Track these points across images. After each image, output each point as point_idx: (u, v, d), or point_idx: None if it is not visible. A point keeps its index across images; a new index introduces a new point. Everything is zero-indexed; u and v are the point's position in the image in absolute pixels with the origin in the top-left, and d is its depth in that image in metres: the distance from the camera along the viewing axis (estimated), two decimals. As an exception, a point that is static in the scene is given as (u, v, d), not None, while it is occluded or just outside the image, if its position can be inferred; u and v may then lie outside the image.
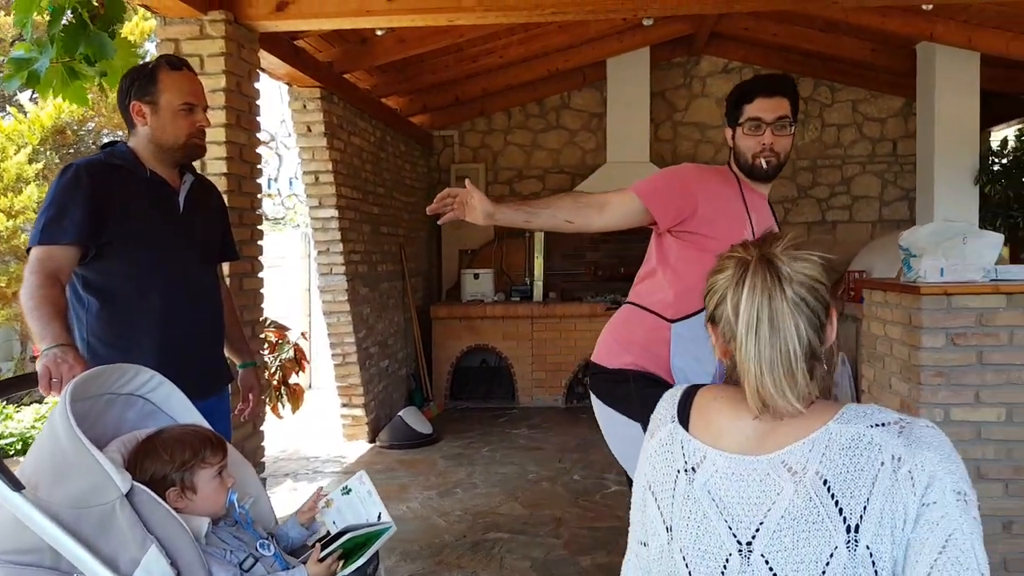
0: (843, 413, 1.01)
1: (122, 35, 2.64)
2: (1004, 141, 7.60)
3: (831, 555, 0.93)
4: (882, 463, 0.94)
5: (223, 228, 2.47)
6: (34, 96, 9.21)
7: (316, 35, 4.59)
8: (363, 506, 1.90)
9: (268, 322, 5.05)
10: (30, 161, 6.80)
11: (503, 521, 4.06)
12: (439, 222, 2.29)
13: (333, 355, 5.54)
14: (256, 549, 1.81)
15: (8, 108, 8.12)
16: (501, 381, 7.20)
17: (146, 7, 3.46)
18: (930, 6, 3.71)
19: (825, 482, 0.96)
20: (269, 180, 14.57)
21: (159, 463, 1.72)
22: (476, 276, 7.25)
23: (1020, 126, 7.16)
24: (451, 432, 6.06)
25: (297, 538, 1.94)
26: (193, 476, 1.74)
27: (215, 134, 3.56)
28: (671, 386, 2.31)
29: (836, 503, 0.94)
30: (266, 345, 5.07)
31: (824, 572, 0.93)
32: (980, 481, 2.99)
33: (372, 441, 5.76)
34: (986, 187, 5.93)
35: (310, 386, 8.28)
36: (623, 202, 2.19)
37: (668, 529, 1.05)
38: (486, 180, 7.68)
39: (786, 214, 7.40)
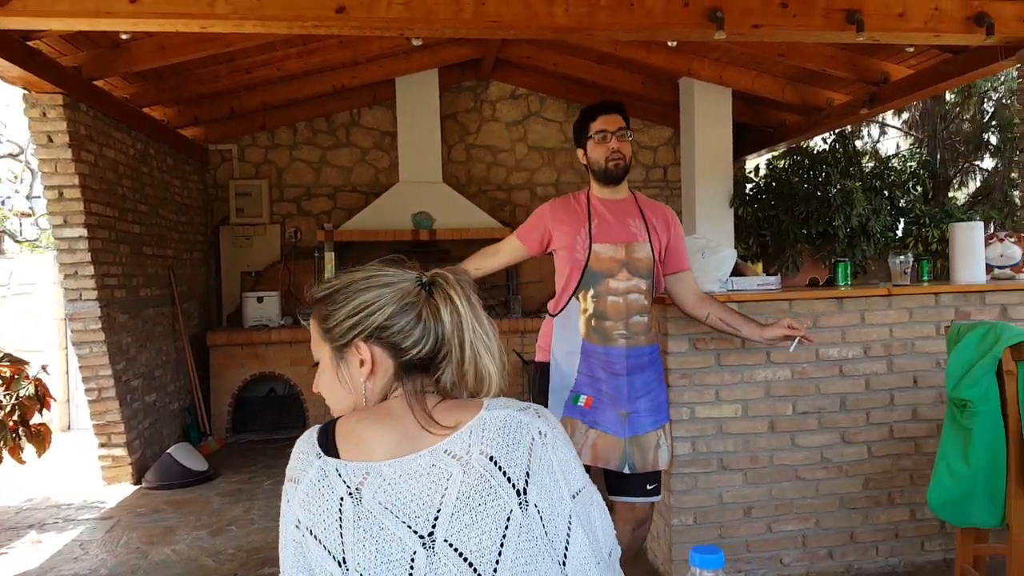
0: (488, 404, 1.16)
1: None
2: (756, 168, 8.45)
3: (508, 518, 1.05)
4: (532, 438, 1.12)
5: None
6: None
7: (57, 36, 4.14)
8: None
9: (1, 356, 4.45)
10: None
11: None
12: None
13: (87, 390, 4.97)
14: None
15: None
16: (291, 410, 6.85)
17: None
18: (675, 44, 4.02)
19: (491, 458, 1.08)
20: (27, 197, 13.05)
21: None
22: (260, 300, 6.86)
23: (768, 155, 7.99)
24: (231, 467, 5.67)
25: None
26: None
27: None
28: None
29: (504, 473, 1.08)
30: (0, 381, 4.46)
31: (504, 535, 1.04)
32: (724, 472, 3.24)
33: (138, 482, 5.24)
34: (739, 210, 6.51)
35: (69, 427, 7.43)
36: (507, 242, 2.87)
37: (341, 562, 1.03)
38: (271, 198, 7.32)
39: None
